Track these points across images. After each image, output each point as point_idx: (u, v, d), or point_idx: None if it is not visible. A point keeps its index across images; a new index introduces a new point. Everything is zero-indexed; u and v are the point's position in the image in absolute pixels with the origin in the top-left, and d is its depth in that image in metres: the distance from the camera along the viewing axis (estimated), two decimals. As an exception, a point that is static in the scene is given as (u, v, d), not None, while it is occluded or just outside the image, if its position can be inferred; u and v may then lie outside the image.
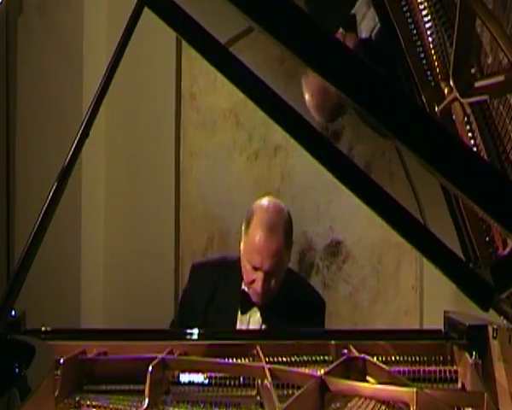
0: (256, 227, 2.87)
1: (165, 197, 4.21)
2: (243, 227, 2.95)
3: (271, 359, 2.25)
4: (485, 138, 2.03)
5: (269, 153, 4.14)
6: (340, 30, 2.77)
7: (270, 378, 2.03)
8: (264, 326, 2.95)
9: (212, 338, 2.37)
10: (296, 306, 2.97)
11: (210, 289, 2.98)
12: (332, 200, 4.04)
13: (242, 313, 2.96)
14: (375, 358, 2.19)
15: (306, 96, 2.88)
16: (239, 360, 2.25)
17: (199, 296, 3.01)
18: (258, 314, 2.95)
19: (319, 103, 2.83)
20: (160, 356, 2.15)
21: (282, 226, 2.90)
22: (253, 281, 2.87)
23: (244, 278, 2.91)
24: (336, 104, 2.77)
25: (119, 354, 2.26)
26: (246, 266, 2.89)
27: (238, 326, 2.96)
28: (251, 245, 2.86)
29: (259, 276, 2.85)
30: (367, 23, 2.79)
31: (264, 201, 3.00)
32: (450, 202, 2.20)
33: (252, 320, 2.96)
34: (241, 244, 2.95)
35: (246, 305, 2.94)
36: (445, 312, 2.44)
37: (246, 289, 2.95)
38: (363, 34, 2.80)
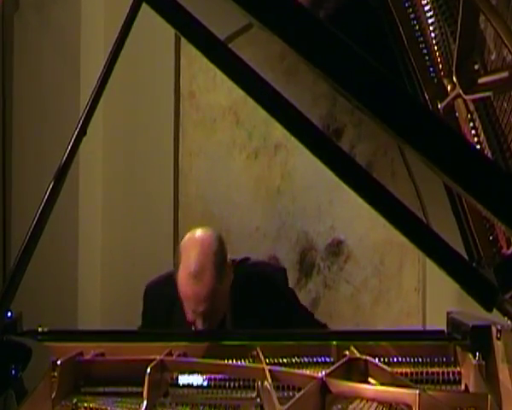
0: (182, 274, 2.75)
1: (164, 197, 4.20)
2: (178, 257, 2.81)
3: (272, 360, 2.25)
4: (488, 136, 2.03)
5: (269, 152, 4.14)
6: None
7: (270, 380, 2.03)
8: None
9: (212, 339, 2.37)
10: (253, 298, 2.87)
11: (166, 307, 2.91)
12: (333, 199, 4.04)
13: None
14: (376, 359, 2.19)
15: None
16: (239, 362, 2.25)
17: (158, 314, 2.94)
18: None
19: None
20: (158, 358, 2.15)
21: (212, 265, 2.75)
22: (194, 321, 2.76)
23: (186, 316, 2.79)
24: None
25: (116, 355, 2.26)
26: (184, 304, 2.78)
27: None
28: (181, 292, 2.76)
29: (198, 318, 2.75)
30: None
31: (190, 240, 2.84)
32: (453, 200, 2.20)
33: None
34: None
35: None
36: (448, 312, 2.44)
37: None
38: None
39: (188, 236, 2.85)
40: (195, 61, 4.12)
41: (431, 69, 2.21)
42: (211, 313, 2.75)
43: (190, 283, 2.72)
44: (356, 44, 1.61)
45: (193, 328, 2.79)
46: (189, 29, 2.14)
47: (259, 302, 2.87)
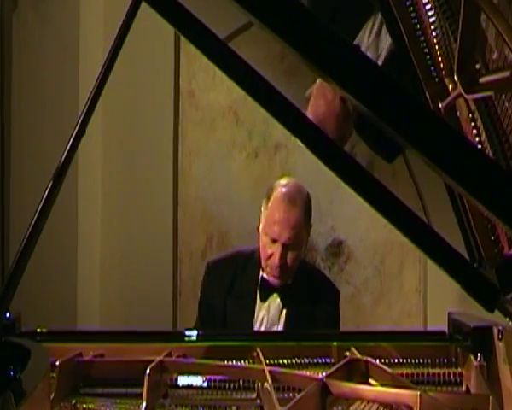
0: (276, 200, 2.96)
1: (164, 197, 4.20)
2: (263, 203, 3.02)
3: (272, 361, 2.25)
4: (490, 135, 2.04)
5: (269, 151, 4.14)
6: None
7: (270, 381, 2.03)
8: (284, 312, 3.00)
9: (212, 340, 2.37)
10: (314, 291, 3.04)
11: (227, 284, 3.04)
12: (334, 199, 4.04)
13: (262, 301, 3.01)
14: (377, 360, 2.19)
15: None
16: (239, 363, 2.25)
17: (216, 293, 3.05)
18: (278, 300, 3.00)
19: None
20: (158, 358, 2.15)
21: (302, 201, 2.99)
22: (271, 256, 2.93)
23: (262, 255, 2.97)
24: (337, 136, 2.83)
25: (116, 356, 2.26)
26: (264, 241, 2.96)
27: (258, 314, 3.00)
28: (270, 217, 2.94)
29: (277, 248, 2.92)
30: (370, 54, 2.81)
31: (285, 179, 3.11)
32: (454, 200, 2.20)
33: (272, 306, 3.00)
34: (261, 220, 3.01)
35: (265, 292, 3.00)
36: (449, 313, 2.44)
37: (264, 275, 3.00)
38: None
39: (281, 179, 3.10)
40: (195, 60, 4.12)
41: (432, 68, 2.21)
42: (290, 249, 2.92)
43: (283, 205, 2.94)
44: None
45: (265, 268, 2.94)
46: (189, 28, 2.14)
47: (314, 297, 3.02)
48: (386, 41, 2.75)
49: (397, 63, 2.46)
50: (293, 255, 2.96)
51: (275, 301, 3.01)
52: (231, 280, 3.05)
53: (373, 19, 2.78)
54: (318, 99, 2.78)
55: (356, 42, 2.80)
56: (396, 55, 2.50)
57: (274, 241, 2.94)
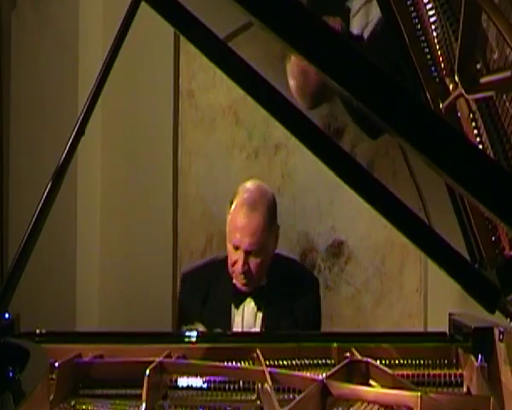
0: (237, 206, 2.93)
1: (163, 197, 4.20)
2: (227, 209, 2.99)
3: (272, 362, 2.24)
4: (491, 136, 2.03)
5: (269, 151, 4.14)
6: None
7: (270, 382, 2.03)
8: (259, 314, 2.99)
9: (211, 341, 2.37)
10: (289, 288, 3.00)
11: (202, 293, 3.01)
12: (334, 199, 4.04)
13: (236, 307, 2.99)
14: (378, 361, 2.19)
15: (290, 81, 2.92)
16: (238, 364, 2.25)
17: (192, 303, 3.03)
18: (252, 304, 2.98)
19: (301, 87, 2.89)
20: (157, 359, 2.15)
21: (264, 206, 2.93)
22: (235, 262, 2.91)
23: (229, 262, 2.95)
24: (318, 89, 2.81)
25: (115, 357, 2.26)
26: (228, 248, 2.94)
27: (234, 321, 2.99)
28: (231, 224, 2.92)
29: (240, 255, 2.89)
30: (359, 20, 2.81)
31: (248, 182, 3.05)
32: (455, 201, 2.20)
33: (246, 311, 2.99)
34: (226, 227, 3.00)
35: (238, 298, 2.98)
36: (449, 314, 2.44)
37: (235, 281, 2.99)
38: (355, 30, 2.81)
39: (245, 183, 3.04)
40: (195, 59, 4.12)
41: (433, 68, 2.21)
42: (253, 255, 2.87)
43: (243, 212, 2.90)
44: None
45: (232, 274, 2.88)
46: (189, 27, 2.14)
47: (290, 294, 2.99)
48: (376, 8, 2.73)
49: (386, 35, 2.45)
50: (257, 261, 2.92)
51: (249, 305, 2.99)
52: (206, 290, 3.02)
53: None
54: (295, 61, 2.75)
55: (347, 5, 2.79)
56: (386, 25, 2.49)
57: (236, 248, 2.91)
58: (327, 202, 4.05)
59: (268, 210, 2.93)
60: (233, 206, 2.94)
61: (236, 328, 2.98)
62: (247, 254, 2.89)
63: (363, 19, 2.76)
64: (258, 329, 2.97)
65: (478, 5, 1.86)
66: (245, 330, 2.96)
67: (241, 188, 3.00)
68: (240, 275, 2.91)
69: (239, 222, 2.89)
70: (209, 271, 3.05)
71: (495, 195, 1.60)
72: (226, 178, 4.16)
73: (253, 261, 2.90)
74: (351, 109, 3.01)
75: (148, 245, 4.17)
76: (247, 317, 2.99)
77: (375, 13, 2.78)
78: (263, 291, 2.97)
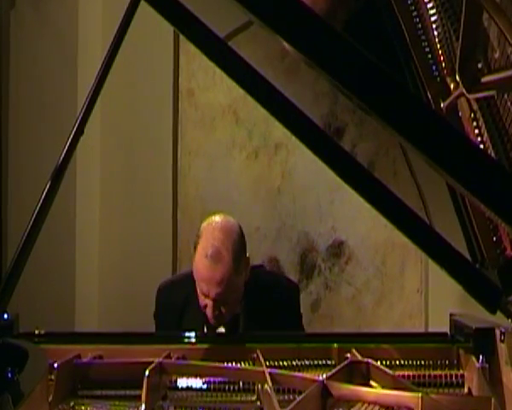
0: (200, 255, 2.77)
1: (163, 197, 4.20)
2: (192, 246, 2.85)
3: (272, 363, 2.25)
4: (492, 135, 2.03)
5: (269, 151, 4.14)
6: None
7: (270, 383, 2.03)
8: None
9: (211, 342, 2.37)
10: (267, 303, 2.89)
11: (178, 309, 2.93)
12: (334, 199, 4.04)
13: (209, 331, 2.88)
14: (378, 362, 2.19)
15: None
16: (238, 364, 2.25)
17: (168, 318, 2.95)
18: (223, 330, 2.86)
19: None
20: (157, 360, 2.15)
21: (229, 252, 2.77)
22: (205, 306, 2.79)
23: (199, 302, 2.83)
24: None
25: (114, 357, 2.26)
26: (198, 291, 2.80)
27: None
28: (196, 273, 2.78)
29: (209, 303, 2.77)
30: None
31: (210, 223, 2.86)
32: (456, 201, 2.20)
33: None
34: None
35: (210, 326, 2.85)
36: (450, 314, 2.44)
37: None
38: None
39: (209, 219, 2.87)
40: (194, 58, 4.12)
41: (434, 68, 2.21)
42: (222, 302, 2.76)
43: (207, 263, 2.73)
44: (358, 43, 1.61)
45: (204, 321, 2.78)
46: (188, 26, 2.14)
47: (268, 312, 2.86)
48: None
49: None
50: (228, 305, 2.79)
51: (222, 329, 2.86)
52: (181, 308, 2.92)
53: None
54: None
55: None
56: None
57: (204, 295, 2.77)
58: (327, 201, 4.05)
59: (235, 254, 2.77)
60: (196, 252, 2.78)
61: None
62: (216, 301, 2.76)
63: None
64: None
65: (479, 4, 1.86)
66: None
67: (203, 231, 2.82)
68: (211, 319, 2.79)
69: (204, 274, 2.75)
70: (184, 288, 2.92)
71: (496, 194, 1.60)
72: (226, 178, 4.16)
73: (223, 306, 2.78)
74: None
75: (147, 245, 4.17)
76: None
77: None
78: (237, 319, 2.86)
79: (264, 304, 2.88)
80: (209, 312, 2.76)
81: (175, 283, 3.09)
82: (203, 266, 2.74)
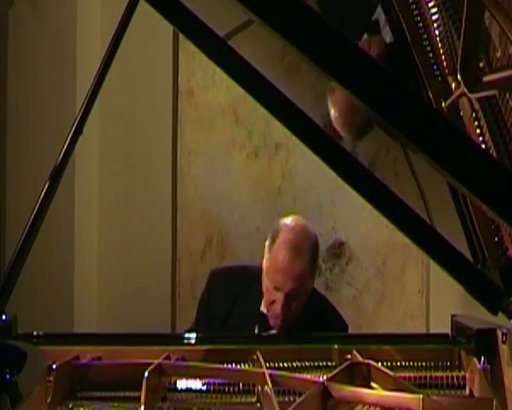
0: (281, 246, 2.85)
1: (162, 197, 4.21)
2: (267, 243, 2.92)
3: (272, 364, 2.24)
4: (494, 135, 2.03)
5: (269, 151, 4.14)
6: (365, 35, 2.78)
7: (270, 384, 2.03)
8: None
9: (211, 343, 2.37)
10: (318, 325, 2.95)
11: (229, 300, 2.97)
12: (335, 199, 4.04)
13: (261, 331, 2.94)
14: (379, 363, 2.19)
15: (333, 113, 2.86)
16: (238, 366, 2.25)
17: (217, 306, 2.99)
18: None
19: (347, 120, 2.82)
20: (156, 361, 2.15)
21: (308, 249, 2.88)
22: (274, 301, 2.84)
23: (264, 297, 2.89)
24: (364, 120, 2.76)
25: (113, 359, 2.25)
26: (267, 285, 2.87)
27: None
28: (274, 264, 2.84)
29: (280, 297, 2.82)
30: (389, 31, 2.81)
31: (291, 220, 2.97)
32: (457, 201, 2.20)
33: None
34: (264, 261, 2.92)
35: (263, 327, 2.92)
36: (452, 315, 2.44)
37: (265, 311, 2.93)
38: (388, 38, 2.81)
39: (289, 217, 2.98)
40: (194, 58, 4.12)
41: (435, 67, 2.21)
42: (293, 298, 2.82)
43: (288, 256, 2.82)
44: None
45: (267, 310, 2.82)
46: (188, 25, 2.14)
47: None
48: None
49: None
50: (297, 304, 2.88)
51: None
52: (234, 298, 2.97)
53: None
54: (339, 91, 2.72)
55: (375, 17, 2.78)
56: None
57: (277, 289, 2.85)
58: (327, 202, 4.05)
59: (311, 254, 2.89)
60: (275, 245, 2.87)
61: None
62: (288, 297, 2.84)
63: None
64: None
65: (480, 3, 1.86)
66: None
67: (284, 226, 2.93)
68: (277, 316, 2.85)
69: (282, 264, 2.83)
70: (240, 279, 3.00)
71: (498, 195, 1.60)
72: (226, 178, 4.16)
73: (293, 304, 2.86)
74: None
75: (146, 246, 4.17)
76: None
77: None
78: (288, 329, 2.90)
79: (313, 321, 2.92)
80: (278, 307, 2.81)
81: (230, 271, 3.12)
82: (283, 258, 2.82)
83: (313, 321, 2.95)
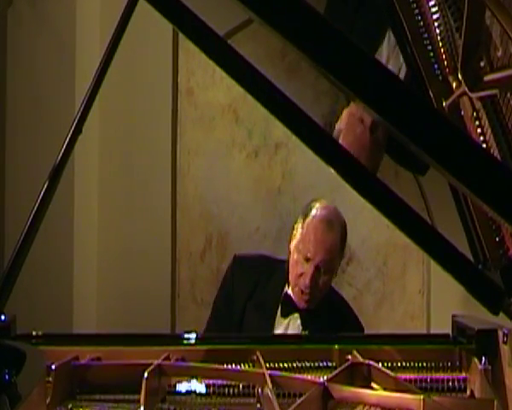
0: (314, 220, 2.98)
1: (162, 197, 4.20)
2: (299, 221, 3.03)
3: (272, 365, 2.24)
4: (495, 135, 2.03)
5: (269, 150, 4.14)
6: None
7: (270, 385, 2.03)
8: (303, 333, 2.99)
9: (211, 343, 2.37)
10: (336, 323, 3.03)
11: (250, 287, 3.06)
12: (335, 199, 4.03)
13: (282, 316, 3.02)
14: (380, 364, 2.19)
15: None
16: (238, 366, 2.25)
17: (239, 290, 3.08)
18: (299, 321, 3.01)
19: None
20: (156, 362, 2.15)
21: (340, 228, 3.01)
22: (302, 274, 2.93)
23: (291, 273, 2.97)
24: (368, 166, 2.86)
25: (113, 359, 2.25)
26: (296, 258, 2.96)
27: (276, 329, 3.02)
28: (306, 236, 2.95)
29: (309, 268, 2.92)
30: (393, 62, 2.83)
31: (324, 201, 3.12)
32: (458, 201, 2.20)
33: (291, 325, 3.02)
34: (294, 240, 3.02)
35: (287, 308, 3.01)
36: (453, 316, 2.44)
37: (289, 292, 3.01)
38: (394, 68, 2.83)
39: (320, 200, 3.11)
40: (194, 57, 4.12)
41: (436, 66, 2.21)
42: (320, 273, 2.92)
43: (322, 227, 2.97)
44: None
45: (293, 286, 2.93)
46: (187, 24, 2.14)
47: (336, 329, 2.99)
48: None
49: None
50: (325, 279, 2.97)
51: (295, 320, 3.02)
52: (255, 284, 3.06)
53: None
54: (348, 135, 2.82)
55: (376, 56, 2.81)
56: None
57: (307, 260, 2.94)
58: (328, 201, 4.05)
59: (342, 233, 3.01)
60: (308, 218, 2.99)
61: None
62: (317, 269, 2.93)
63: (397, 60, 2.79)
64: None
65: (482, 2, 1.86)
66: None
67: (317, 203, 3.06)
68: (305, 288, 2.94)
69: (316, 236, 2.94)
70: (262, 265, 3.11)
71: (499, 194, 1.60)
72: (226, 178, 4.16)
73: (321, 278, 2.95)
74: (393, 153, 3.04)
75: (146, 246, 4.17)
76: (291, 331, 3.00)
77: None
78: (312, 313, 3.00)
79: (332, 318, 3.03)
80: (307, 279, 2.90)
81: (250, 258, 3.23)
82: (316, 229, 2.96)
83: (333, 314, 3.05)
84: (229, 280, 3.13)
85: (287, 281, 3.03)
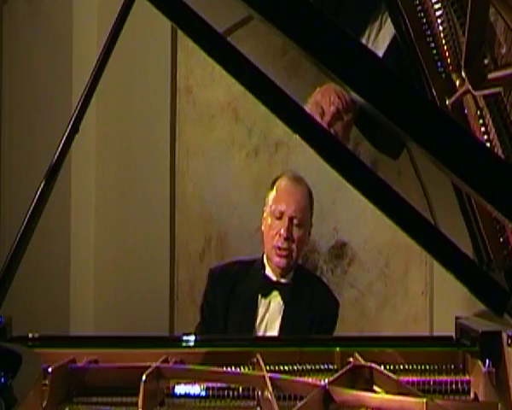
0: (282, 181, 3.23)
1: (160, 197, 4.20)
2: (268, 193, 3.25)
3: (272, 367, 2.24)
4: (499, 133, 2.04)
5: (269, 149, 4.14)
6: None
7: (270, 388, 2.03)
8: (283, 309, 3.16)
9: (210, 345, 2.37)
10: (313, 298, 3.21)
11: (229, 287, 3.23)
12: (336, 199, 4.04)
13: (263, 296, 3.19)
14: (382, 366, 2.19)
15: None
16: (238, 369, 2.25)
17: (219, 295, 3.24)
18: (279, 298, 3.17)
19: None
20: (154, 365, 2.15)
21: (306, 184, 3.24)
22: (277, 233, 3.14)
23: (267, 240, 3.19)
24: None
25: (110, 362, 2.26)
26: (269, 223, 3.18)
27: (259, 311, 3.17)
28: (276, 197, 3.20)
29: (284, 223, 3.14)
30: (382, 38, 2.85)
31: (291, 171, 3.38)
32: (462, 201, 2.21)
33: (272, 303, 3.19)
34: (266, 209, 3.24)
35: (266, 289, 3.19)
36: (456, 318, 2.44)
37: (267, 272, 3.19)
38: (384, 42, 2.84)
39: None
40: (193, 54, 4.12)
41: (439, 64, 2.22)
42: (295, 226, 3.16)
43: (289, 183, 3.24)
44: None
45: (270, 254, 3.17)
46: (186, 21, 2.14)
47: (312, 304, 3.20)
48: (383, 41, 2.79)
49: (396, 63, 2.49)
50: (299, 234, 3.17)
51: (275, 298, 3.18)
52: (233, 283, 3.23)
53: (379, 17, 2.81)
54: (312, 114, 2.93)
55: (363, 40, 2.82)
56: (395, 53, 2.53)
57: (280, 217, 3.16)
58: (329, 201, 4.05)
59: (309, 189, 3.24)
60: (276, 183, 3.23)
61: (260, 319, 3.17)
62: (291, 221, 3.14)
63: (386, 36, 2.83)
64: (279, 323, 3.16)
65: (485, -2, 1.86)
66: (268, 322, 3.18)
67: (282, 173, 3.32)
68: (281, 244, 3.13)
69: (286, 191, 3.20)
70: (236, 268, 3.28)
71: (503, 194, 1.60)
72: (225, 177, 4.16)
73: (295, 232, 3.15)
74: (367, 133, 3.16)
75: (144, 246, 4.17)
76: (272, 309, 3.18)
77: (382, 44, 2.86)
78: (290, 289, 3.18)
79: (308, 293, 3.20)
80: (283, 232, 3.12)
81: (225, 266, 3.39)
82: (285, 185, 3.22)
83: (309, 289, 3.21)
84: (208, 292, 3.30)
85: (262, 270, 3.21)
